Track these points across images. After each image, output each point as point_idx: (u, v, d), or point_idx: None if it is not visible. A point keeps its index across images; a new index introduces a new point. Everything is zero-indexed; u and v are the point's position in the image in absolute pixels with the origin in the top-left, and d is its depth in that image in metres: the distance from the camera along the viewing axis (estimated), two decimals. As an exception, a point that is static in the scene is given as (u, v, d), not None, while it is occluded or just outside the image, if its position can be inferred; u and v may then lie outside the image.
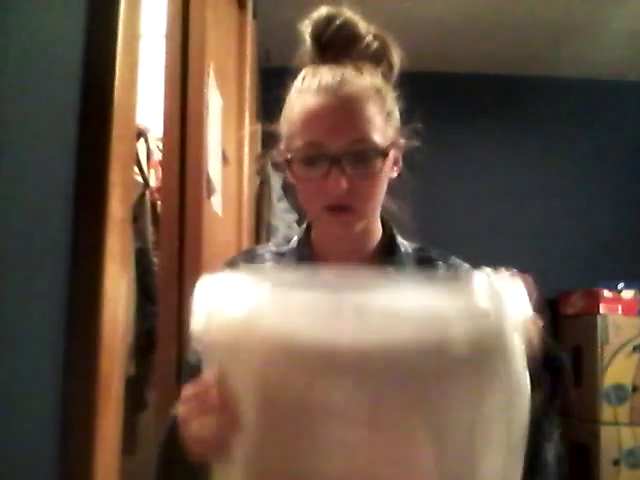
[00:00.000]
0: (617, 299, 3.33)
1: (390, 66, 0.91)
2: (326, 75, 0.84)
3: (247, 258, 0.97)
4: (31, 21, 0.75)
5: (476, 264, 0.76)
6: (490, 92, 3.87)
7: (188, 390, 0.68)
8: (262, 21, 2.71)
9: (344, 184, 0.82)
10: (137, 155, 1.82)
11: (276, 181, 2.71)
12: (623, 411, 3.18)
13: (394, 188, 0.92)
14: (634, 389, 3.19)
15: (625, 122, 3.92)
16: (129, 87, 0.96)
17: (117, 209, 0.92)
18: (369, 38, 0.89)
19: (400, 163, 0.93)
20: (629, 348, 3.23)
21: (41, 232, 0.78)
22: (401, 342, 0.60)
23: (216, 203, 1.75)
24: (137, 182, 1.80)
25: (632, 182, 3.86)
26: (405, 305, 0.63)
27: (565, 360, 0.77)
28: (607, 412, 3.18)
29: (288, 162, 0.87)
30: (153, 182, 1.94)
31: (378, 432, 0.62)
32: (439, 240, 1.05)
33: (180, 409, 0.69)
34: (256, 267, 0.93)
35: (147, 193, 1.88)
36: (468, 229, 3.52)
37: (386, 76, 0.90)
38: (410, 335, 0.61)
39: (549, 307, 3.57)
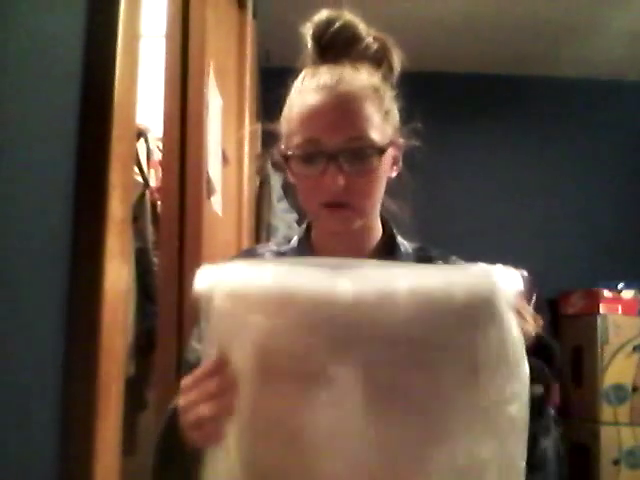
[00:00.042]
0: (617, 299, 3.33)
1: (390, 68, 0.92)
2: (325, 75, 0.86)
3: (247, 257, 0.98)
4: (31, 21, 0.75)
5: (476, 264, 0.76)
6: (490, 92, 3.88)
7: (188, 379, 0.69)
8: (262, 21, 2.71)
9: (341, 181, 0.83)
10: (137, 155, 1.82)
11: (276, 181, 2.71)
12: (623, 411, 3.18)
13: (394, 188, 0.92)
14: (634, 389, 3.19)
15: (625, 122, 3.92)
16: (129, 87, 0.96)
17: (117, 209, 0.92)
18: (369, 40, 0.90)
19: (400, 163, 0.93)
20: (629, 348, 3.24)
21: (41, 232, 0.78)
22: (406, 291, 0.61)
23: (216, 203, 1.75)
24: (137, 182, 1.80)
25: (632, 182, 3.86)
26: (404, 271, 0.64)
27: (556, 347, 0.78)
28: (607, 412, 3.18)
29: (287, 160, 0.88)
30: (153, 182, 1.94)
31: (378, 399, 0.61)
32: (439, 240, 1.06)
33: (180, 399, 0.69)
34: (256, 260, 0.94)
35: (147, 193, 1.88)
36: (468, 229, 3.52)
37: (386, 77, 0.91)
38: (413, 285, 0.61)
39: (549, 307, 3.58)
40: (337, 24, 0.88)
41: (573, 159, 3.88)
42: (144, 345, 1.77)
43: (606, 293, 3.33)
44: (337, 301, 0.61)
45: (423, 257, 0.95)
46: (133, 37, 0.98)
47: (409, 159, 0.94)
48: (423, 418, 0.62)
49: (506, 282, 0.63)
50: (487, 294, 0.62)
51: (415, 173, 0.93)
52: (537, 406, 0.69)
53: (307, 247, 0.95)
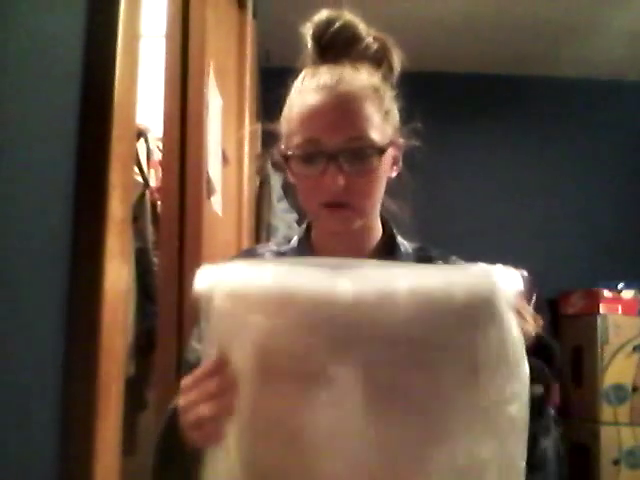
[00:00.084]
0: (617, 299, 3.33)
1: (390, 68, 0.92)
2: (325, 75, 0.86)
3: (247, 257, 0.98)
4: (31, 21, 0.75)
5: (476, 264, 0.76)
6: (490, 92, 3.88)
7: (188, 379, 0.69)
8: (262, 21, 2.71)
9: (341, 181, 0.83)
10: (137, 155, 1.82)
11: (276, 181, 2.71)
12: (623, 411, 3.18)
13: (394, 188, 0.92)
14: (634, 389, 3.19)
15: (625, 122, 3.92)
16: (129, 87, 0.96)
17: (117, 209, 0.92)
18: (369, 40, 0.90)
19: (400, 163, 0.93)
20: (629, 348, 3.24)
21: (41, 232, 0.78)
22: (406, 291, 0.61)
23: (216, 203, 1.75)
24: (137, 182, 1.80)
25: (632, 182, 3.86)
26: (404, 271, 0.64)
27: (556, 347, 0.78)
28: (607, 412, 3.18)
29: (287, 160, 0.88)
30: (153, 182, 1.94)
31: (378, 398, 0.61)
32: (439, 240, 1.06)
33: (180, 399, 0.69)
34: (256, 260, 0.94)
35: (147, 193, 1.88)
36: (468, 229, 3.52)
37: (386, 77, 0.91)
38: (413, 285, 0.61)
39: (549, 307, 3.58)
40: (337, 24, 0.88)
41: (573, 159, 3.88)
42: (144, 345, 1.77)
43: (606, 293, 3.33)
44: (337, 301, 0.61)
45: (423, 257, 0.95)
46: (133, 37, 0.98)
47: (409, 159, 0.94)
48: (423, 418, 0.62)
49: (506, 282, 0.63)
50: (487, 294, 0.62)
51: (415, 173, 0.93)
52: (537, 406, 0.69)
53: (307, 247, 0.95)
